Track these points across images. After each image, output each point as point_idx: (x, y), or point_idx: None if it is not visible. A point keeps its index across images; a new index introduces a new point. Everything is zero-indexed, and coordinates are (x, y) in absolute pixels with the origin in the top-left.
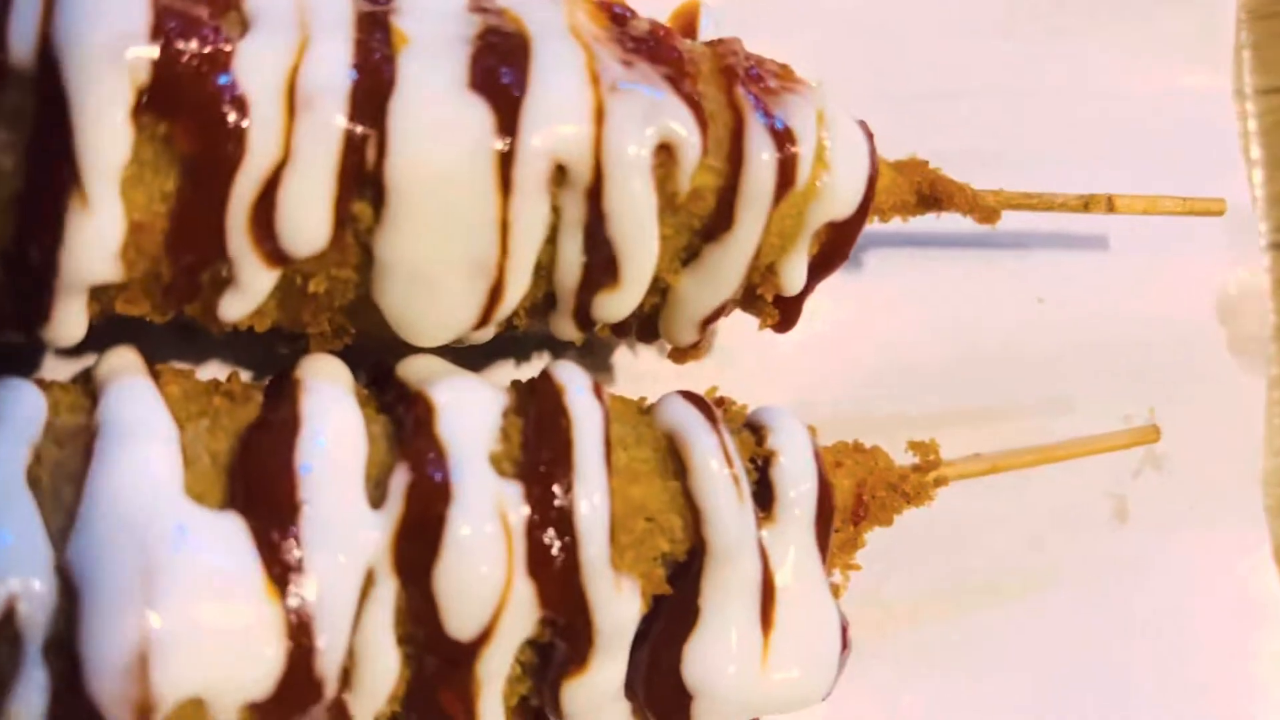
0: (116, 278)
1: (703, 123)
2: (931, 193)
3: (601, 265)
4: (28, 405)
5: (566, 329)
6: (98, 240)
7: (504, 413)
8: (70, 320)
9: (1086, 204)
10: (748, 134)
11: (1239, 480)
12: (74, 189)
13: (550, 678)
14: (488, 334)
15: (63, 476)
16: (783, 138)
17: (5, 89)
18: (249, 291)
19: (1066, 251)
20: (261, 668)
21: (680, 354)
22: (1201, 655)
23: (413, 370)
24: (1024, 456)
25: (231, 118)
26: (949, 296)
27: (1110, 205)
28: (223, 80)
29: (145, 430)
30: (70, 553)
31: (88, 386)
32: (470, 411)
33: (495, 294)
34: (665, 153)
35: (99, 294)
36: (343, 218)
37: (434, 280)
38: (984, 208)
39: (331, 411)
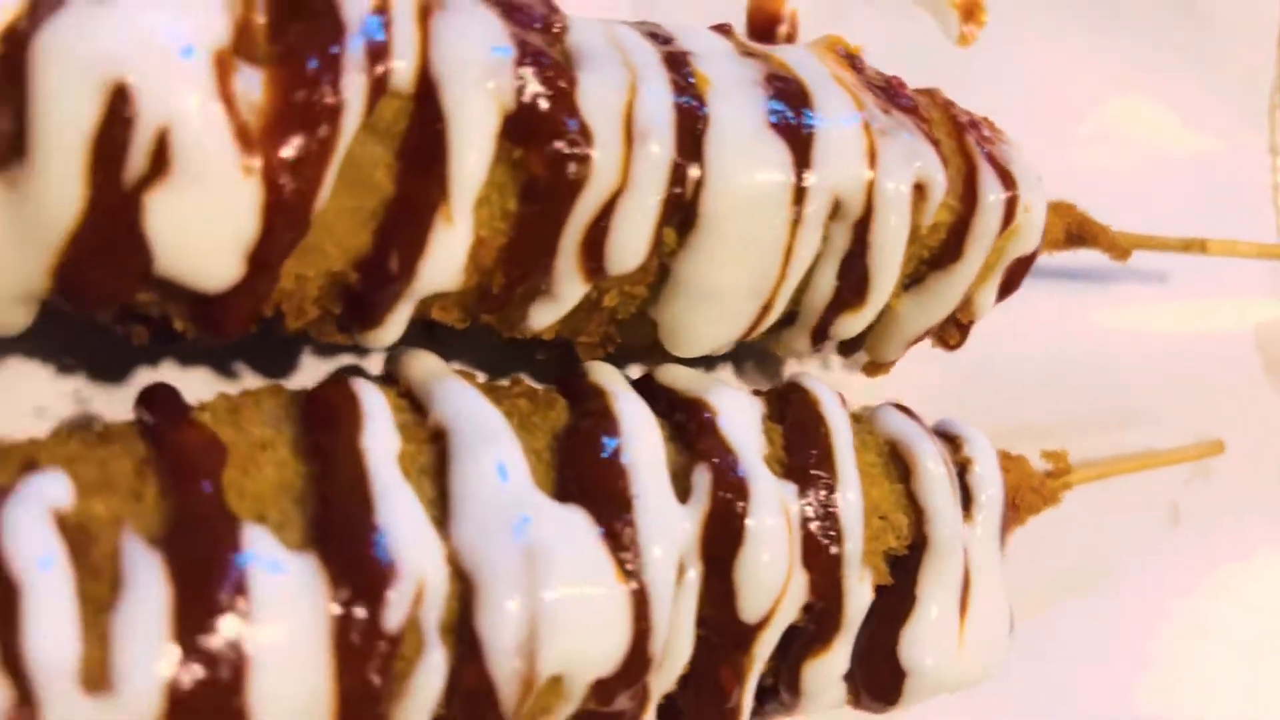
0: (456, 288)
1: (945, 165)
2: (1079, 232)
3: (851, 288)
4: (382, 405)
5: (800, 344)
6: (454, 253)
7: (762, 418)
8: (397, 325)
9: (1186, 245)
10: (980, 177)
11: (1271, 488)
12: (441, 204)
13: (791, 659)
14: (729, 346)
15: (419, 471)
16: (1007, 181)
17: (382, 107)
18: (561, 303)
19: (1133, 285)
20: (612, 646)
21: (874, 369)
22: (1239, 650)
23: (676, 378)
24: (1123, 464)
25: (580, 147)
26: (1035, 322)
27: (1204, 247)
28: (573, 111)
29: (492, 430)
30: (455, 543)
31: (398, 387)
32: (743, 417)
33: (764, 312)
34: (918, 191)
35: (421, 301)
36: (656, 240)
37: (721, 299)
38: (1120, 247)
39: (639, 415)
